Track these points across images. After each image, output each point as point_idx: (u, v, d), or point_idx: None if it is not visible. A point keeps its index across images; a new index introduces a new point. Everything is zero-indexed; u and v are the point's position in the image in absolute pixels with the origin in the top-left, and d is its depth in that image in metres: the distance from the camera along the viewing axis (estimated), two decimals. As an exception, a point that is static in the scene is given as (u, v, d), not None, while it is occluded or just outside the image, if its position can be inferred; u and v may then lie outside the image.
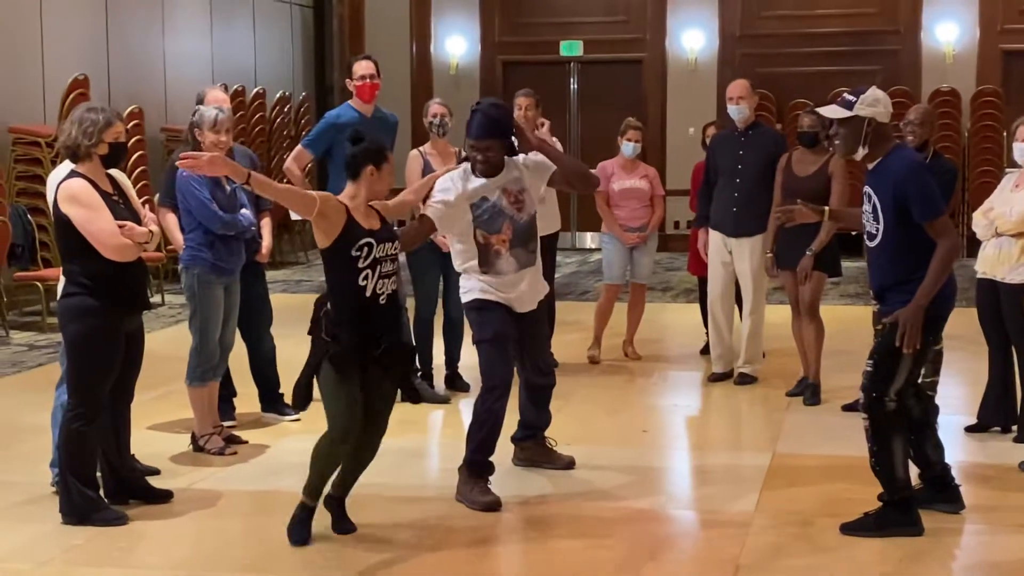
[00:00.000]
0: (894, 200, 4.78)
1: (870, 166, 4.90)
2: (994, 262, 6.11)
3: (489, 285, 5.41)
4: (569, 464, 5.80)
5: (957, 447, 6.06)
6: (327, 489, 4.93)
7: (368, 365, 4.76)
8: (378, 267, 4.75)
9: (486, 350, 5.38)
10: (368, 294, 4.75)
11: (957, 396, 7.15)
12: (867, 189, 4.92)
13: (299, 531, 4.84)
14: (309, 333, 4.89)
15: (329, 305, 4.82)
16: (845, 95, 4.88)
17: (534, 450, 5.81)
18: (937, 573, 4.65)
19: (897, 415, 4.89)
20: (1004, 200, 6.13)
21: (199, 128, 6.00)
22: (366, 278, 4.74)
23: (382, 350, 4.76)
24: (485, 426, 5.33)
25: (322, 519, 5.28)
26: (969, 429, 6.43)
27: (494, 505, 5.23)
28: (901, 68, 15.07)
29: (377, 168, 4.80)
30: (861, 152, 4.86)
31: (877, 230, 4.87)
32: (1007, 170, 6.85)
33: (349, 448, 4.82)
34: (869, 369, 4.90)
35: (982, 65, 15.04)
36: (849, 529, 4.91)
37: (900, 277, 4.82)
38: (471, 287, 5.45)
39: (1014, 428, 6.28)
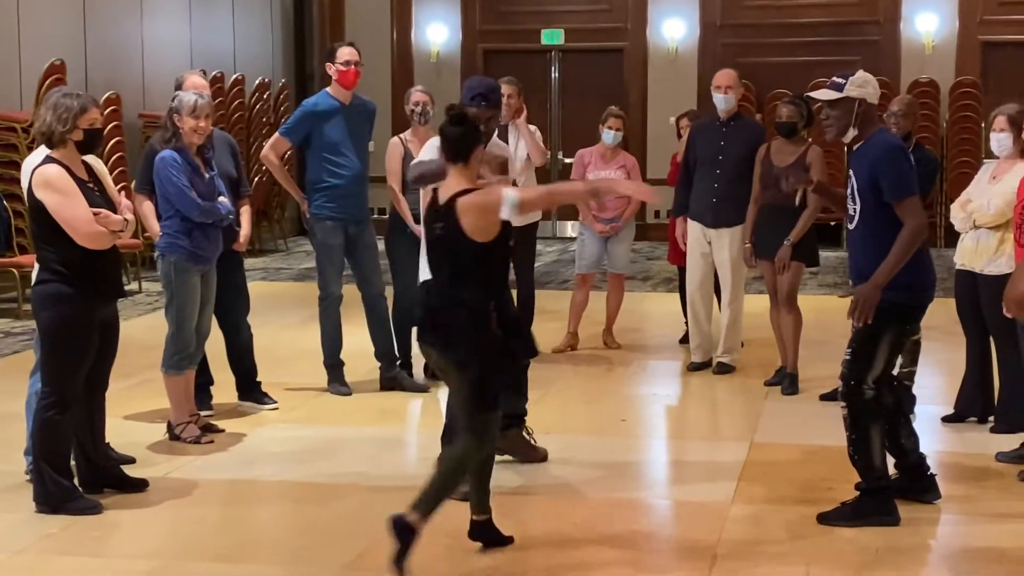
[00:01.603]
0: (870, 180, 4.81)
1: (854, 148, 4.94)
2: (972, 254, 6.13)
3: None
4: (543, 457, 5.72)
5: (934, 437, 6.08)
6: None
7: None
8: None
9: None
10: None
11: (934, 386, 7.18)
12: (850, 171, 4.95)
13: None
14: (479, 335, 4.39)
15: (488, 300, 4.40)
16: (835, 78, 4.93)
17: (512, 440, 5.75)
18: (913, 562, 4.66)
19: (875, 403, 4.90)
20: (981, 192, 6.14)
21: (178, 114, 5.95)
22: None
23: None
24: None
25: (303, 505, 5.26)
26: (946, 419, 6.45)
27: (472, 495, 5.21)
28: (881, 59, 15.09)
29: (483, 148, 4.56)
30: (851, 133, 4.90)
31: (855, 211, 4.90)
32: (985, 161, 6.86)
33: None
34: (848, 357, 4.91)
35: (961, 56, 15.08)
36: (826, 518, 4.92)
37: (876, 260, 4.81)
38: None
39: (991, 419, 6.31)
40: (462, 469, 4.49)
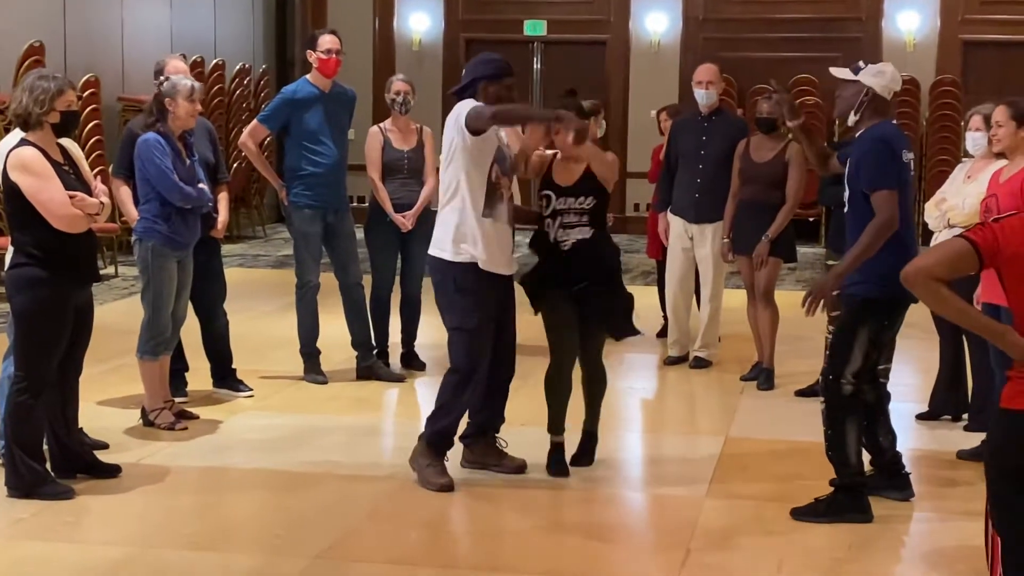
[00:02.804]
0: (855, 167, 4.85)
1: (857, 135, 4.98)
2: (947, 253, 6.14)
3: (488, 245, 5.17)
4: (520, 468, 5.48)
5: (908, 435, 6.09)
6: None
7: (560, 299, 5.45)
8: (559, 218, 5.43)
9: (472, 339, 5.18)
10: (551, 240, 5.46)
11: (909, 384, 7.20)
12: (848, 158, 5.00)
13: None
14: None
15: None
16: (859, 62, 5.05)
17: (485, 451, 5.54)
18: (886, 559, 4.69)
19: (853, 399, 4.91)
20: (956, 191, 6.15)
21: (172, 98, 5.91)
22: (548, 226, 5.45)
23: (580, 287, 5.41)
24: (452, 414, 5.24)
25: (277, 493, 5.25)
26: (920, 417, 6.48)
27: (448, 487, 5.19)
28: (862, 56, 14.87)
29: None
30: (852, 118, 4.97)
31: (845, 197, 4.95)
32: (962, 160, 6.89)
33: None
34: (827, 352, 4.92)
35: (942, 55, 15.12)
36: (800, 514, 4.93)
37: None
38: (467, 247, 5.17)
39: (964, 416, 6.34)
40: (605, 385, 5.64)
